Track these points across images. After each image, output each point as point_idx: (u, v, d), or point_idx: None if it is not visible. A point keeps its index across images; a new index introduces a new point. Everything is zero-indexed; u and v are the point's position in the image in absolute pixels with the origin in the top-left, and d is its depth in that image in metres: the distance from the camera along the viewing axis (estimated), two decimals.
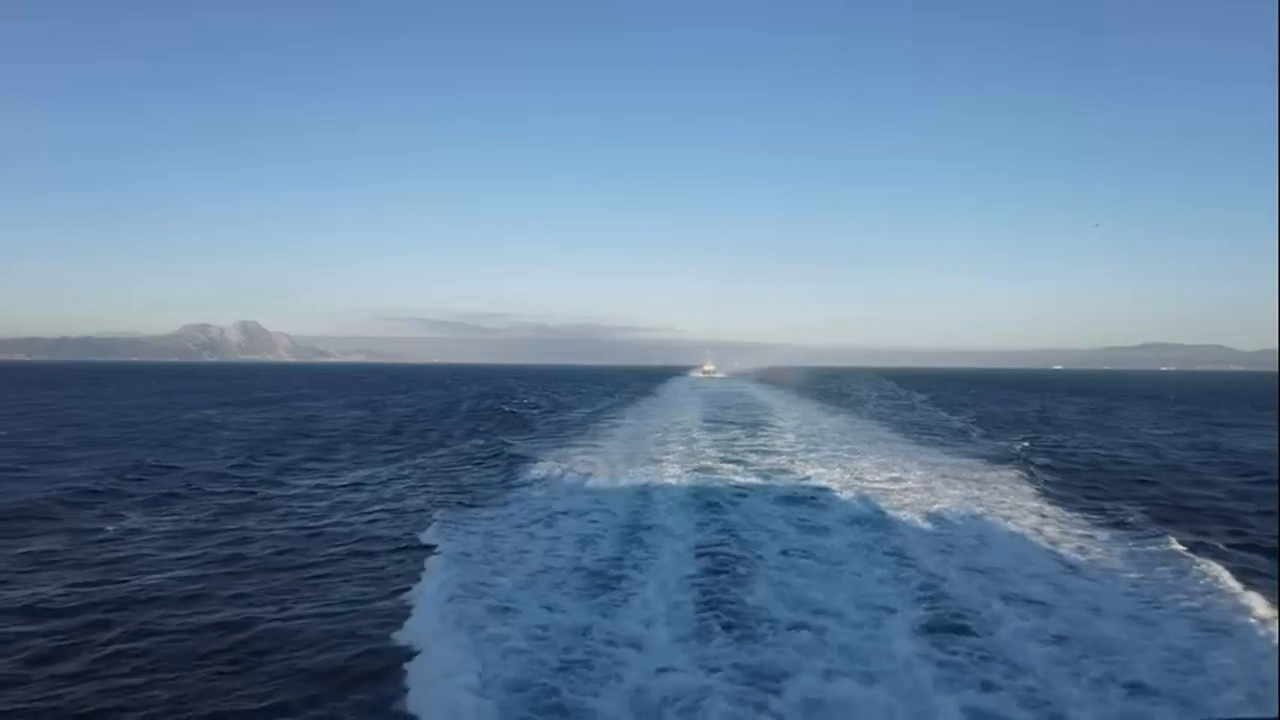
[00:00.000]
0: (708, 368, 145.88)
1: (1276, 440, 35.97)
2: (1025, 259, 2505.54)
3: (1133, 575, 13.07)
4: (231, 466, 26.82)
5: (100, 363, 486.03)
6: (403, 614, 11.23)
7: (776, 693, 8.41)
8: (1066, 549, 14.95)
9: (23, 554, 14.88)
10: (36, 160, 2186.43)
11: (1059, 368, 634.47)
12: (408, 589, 12.41)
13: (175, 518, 18.33)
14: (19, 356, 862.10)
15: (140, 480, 23.22)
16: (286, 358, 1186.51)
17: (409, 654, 9.73)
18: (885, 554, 14.19)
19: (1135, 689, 8.65)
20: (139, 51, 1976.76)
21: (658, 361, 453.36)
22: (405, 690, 8.87)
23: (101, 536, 16.34)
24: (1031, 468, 25.48)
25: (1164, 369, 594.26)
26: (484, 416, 51.43)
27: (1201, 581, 12.36)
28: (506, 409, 57.36)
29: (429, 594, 11.74)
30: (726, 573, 12.75)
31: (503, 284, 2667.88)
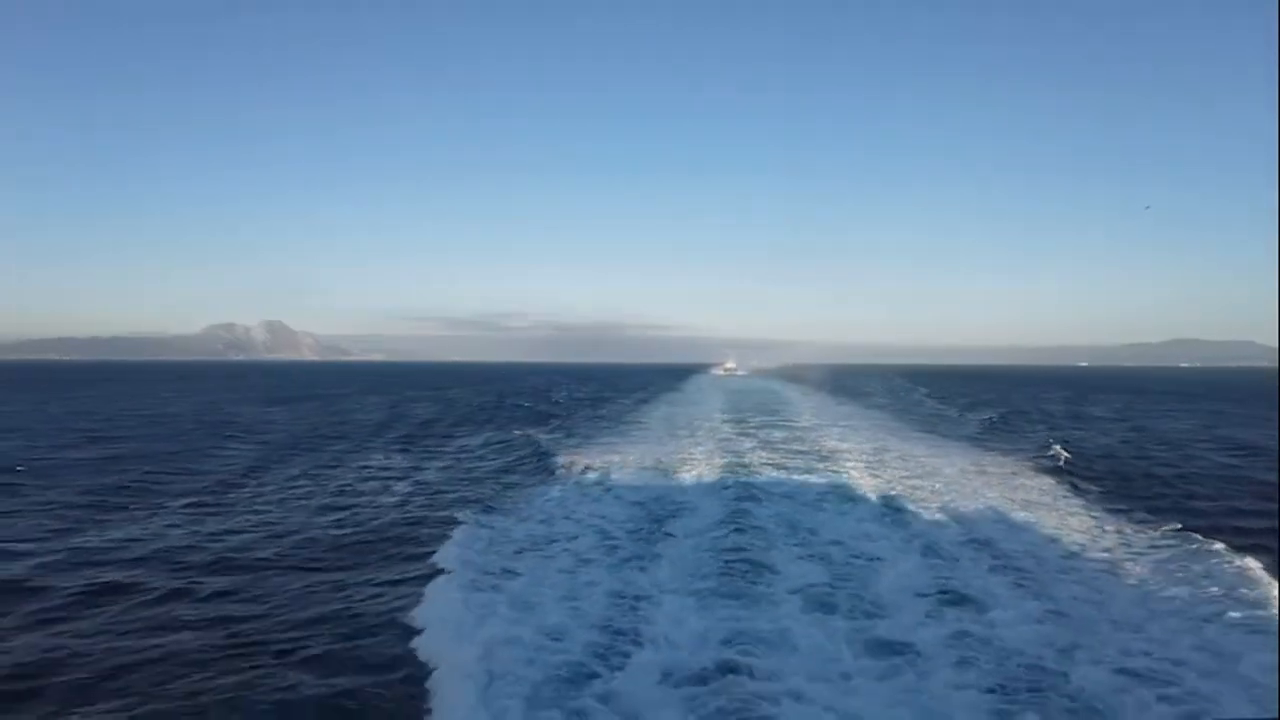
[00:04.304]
0: (729, 365, 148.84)
1: (1277, 439, 35.83)
2: (1047, 256, 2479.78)
3: (1135, 564, 13.49)
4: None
5: (142, 362, 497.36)
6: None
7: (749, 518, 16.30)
8: (1056, 514, 17.17)
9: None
10: (60, 162, 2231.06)
11: (1084, 364, 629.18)
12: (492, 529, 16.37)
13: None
14: (51, 356, 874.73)
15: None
16: (311, 356, 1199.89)
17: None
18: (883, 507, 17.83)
19: (1137, 681, 8.81)
20: (158, 51, 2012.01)
21: (678, 359, 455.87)
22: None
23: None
24: (1057, 464, 26.26)
25: (1183, 365, 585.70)
26: (516, 411, 54.89)
27: (1198, 578, 12.41)
28: (532, 405, 61.01)
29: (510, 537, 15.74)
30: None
31: (522, 282, 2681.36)
